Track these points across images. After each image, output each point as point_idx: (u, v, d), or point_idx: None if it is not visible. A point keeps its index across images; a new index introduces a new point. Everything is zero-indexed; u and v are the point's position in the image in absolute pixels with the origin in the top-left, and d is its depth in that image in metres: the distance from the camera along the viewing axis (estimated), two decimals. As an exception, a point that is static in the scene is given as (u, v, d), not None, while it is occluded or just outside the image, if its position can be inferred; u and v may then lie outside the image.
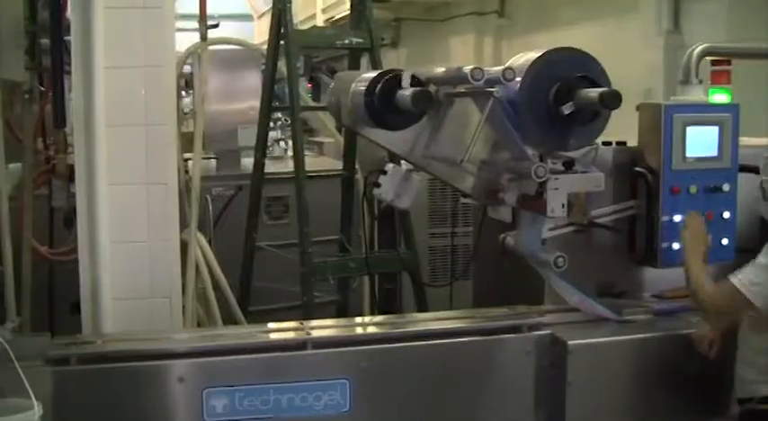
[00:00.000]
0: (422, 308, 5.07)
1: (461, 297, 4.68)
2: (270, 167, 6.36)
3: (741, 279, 3.22)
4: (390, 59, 16.53)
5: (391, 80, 3.39)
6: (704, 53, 4.08)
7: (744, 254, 3.70)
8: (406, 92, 3.25)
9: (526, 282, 3.80)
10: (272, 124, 7.68)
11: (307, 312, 4.87)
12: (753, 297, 3.20)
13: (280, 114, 7.52)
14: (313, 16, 16.36)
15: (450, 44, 14.56)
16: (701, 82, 3.98)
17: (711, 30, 10.08)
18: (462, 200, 4.49)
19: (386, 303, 5.72)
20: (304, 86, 13.64)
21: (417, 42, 15.91)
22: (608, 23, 11.70)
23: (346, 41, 5.33)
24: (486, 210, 3.90)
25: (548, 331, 3.50)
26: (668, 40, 9.70)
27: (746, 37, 9.73)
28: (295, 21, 17.35)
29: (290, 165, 5.28)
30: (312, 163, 7.12)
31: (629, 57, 9.74)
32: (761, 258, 3.22)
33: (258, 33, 20.20)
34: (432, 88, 3.47)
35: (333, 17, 14.69)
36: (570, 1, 11.99)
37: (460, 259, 5.57)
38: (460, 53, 13.73)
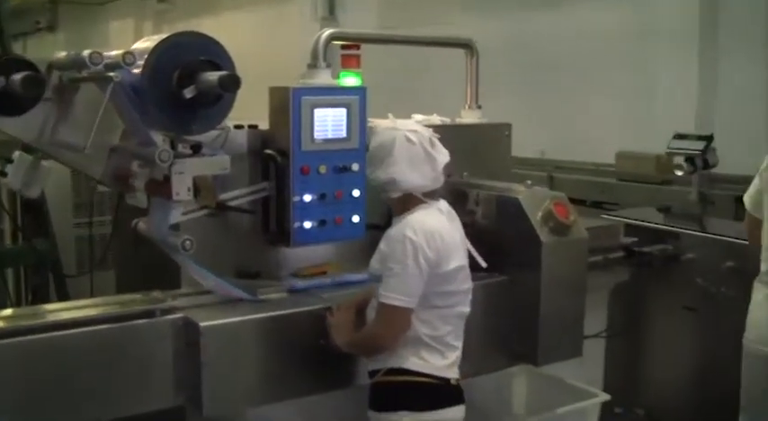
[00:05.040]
0: (63, 299, 4.95)
1: (109, 286, 4.62)
2: None
3: (390, 296, 3.40)
4: (47, 44, 16.00)
5: (3, 66, 3.26)
6: (331, 38, 4.19)
7: (375, 230, 3.88)
8: (17, 76, 3.14)
9: (164, 267, 3.78)
10: None
11: (-60, 310, 4.61)
12: (409, 302, 3.41)
13: None
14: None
15: (110, 29, 14.28)
16: (328, 66, 4.09)
17: (364, 16, 10.48)
18: (99, 188, 4.43)
19: (35, 297, 5.54)
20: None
21: (76, 26, 15.46)
22: (269, 9, 11.87)
23: (-31, 26, 5.08)
24: (121, 197, 3.86)
25: (181, 314, 3.51)
26: (323, 26, 9.95)
27: (397, 23, 10.21)
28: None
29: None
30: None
31: (289, 42, 9.95)
32: (394, 267, 3.40)
33: None
34: (56, 73, 3.40)
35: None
36: (233, -14, 12.07)
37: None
38: (120, 38, 13.50)
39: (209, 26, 11.46)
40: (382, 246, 3.53)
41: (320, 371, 3.72)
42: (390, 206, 3.64)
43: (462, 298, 3.59)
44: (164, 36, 3.37)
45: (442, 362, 3.54)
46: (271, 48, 11.13)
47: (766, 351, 4.31)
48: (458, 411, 3.60)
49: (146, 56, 3.28)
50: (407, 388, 3.50)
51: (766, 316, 4.33)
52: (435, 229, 3.49)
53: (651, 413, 5.82)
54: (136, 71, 3.27)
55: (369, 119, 4.02)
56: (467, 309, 3.62)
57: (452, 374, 3.58)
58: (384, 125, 3.66)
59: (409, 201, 3.55)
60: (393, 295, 3.38)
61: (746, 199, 4.59)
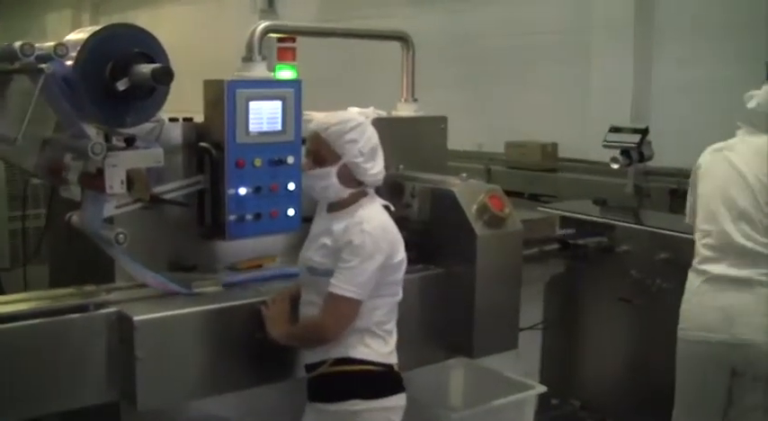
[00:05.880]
0: (-2, 293, 4.89)
1: (42, 280, 4.56)
2: None
3: (344, 288, 3.40)
4: (-17, 36, 15.74)
5: None
6: (267, 30, 4.16)
7: (310, 223, 3.87)
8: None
9: (98, 261, 3.75)
10: None
11: None
12: (361, 295, 3.41)
13: None
14: None
15: (47, 20, 14.10)
16: (264, 58, 4.08)
17: (304, 9, 10.46)
18: (33, 180, 4.38)
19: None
20: None
21: (12, 18, 15.24)
22: (209, 1, 11.80)
23: None
24: (55, 190, 3.82)
25: (114, 309, 3.47)
26: (262, 18, 9.95)
27: (336, 15, 10.21)
28: None
29: None
30: None
31: (228, 34, 9.89)
32: (351, 259, 3.40)
33: None
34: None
35: None
36: (171, -22, 12.01)
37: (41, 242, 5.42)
38: (58, 30, 13.34)
39: (147, 18, 11.38)
40: (328, 241, 3.51)
41: (257, 365, 3.69)
42: (337, 200, 3.59)
43: (399, 286, 3.62)
44: (97, 28, 3.34)
45: (386, 349, 3.57)
46: (211, 40, 11.08)
47: (701, 336, 4.35)
48: (402, 398, 3.64)
49: (78, 48, 3.25)
50: (357, 376, 3.52)
51: (701, 303, 4.39)
52: (387, 223, 3.53)
53: (587, 404, 5.88)
54: (69, 63, 3.24)
55: (304, 111, 4.02)
56: (401, 296, 3.64)
57: (394, 360, 3.61)
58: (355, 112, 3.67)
59: (360, 195, 3.57)
60: (347, 286, 3.38)
61: (688, 212, 4.66)
